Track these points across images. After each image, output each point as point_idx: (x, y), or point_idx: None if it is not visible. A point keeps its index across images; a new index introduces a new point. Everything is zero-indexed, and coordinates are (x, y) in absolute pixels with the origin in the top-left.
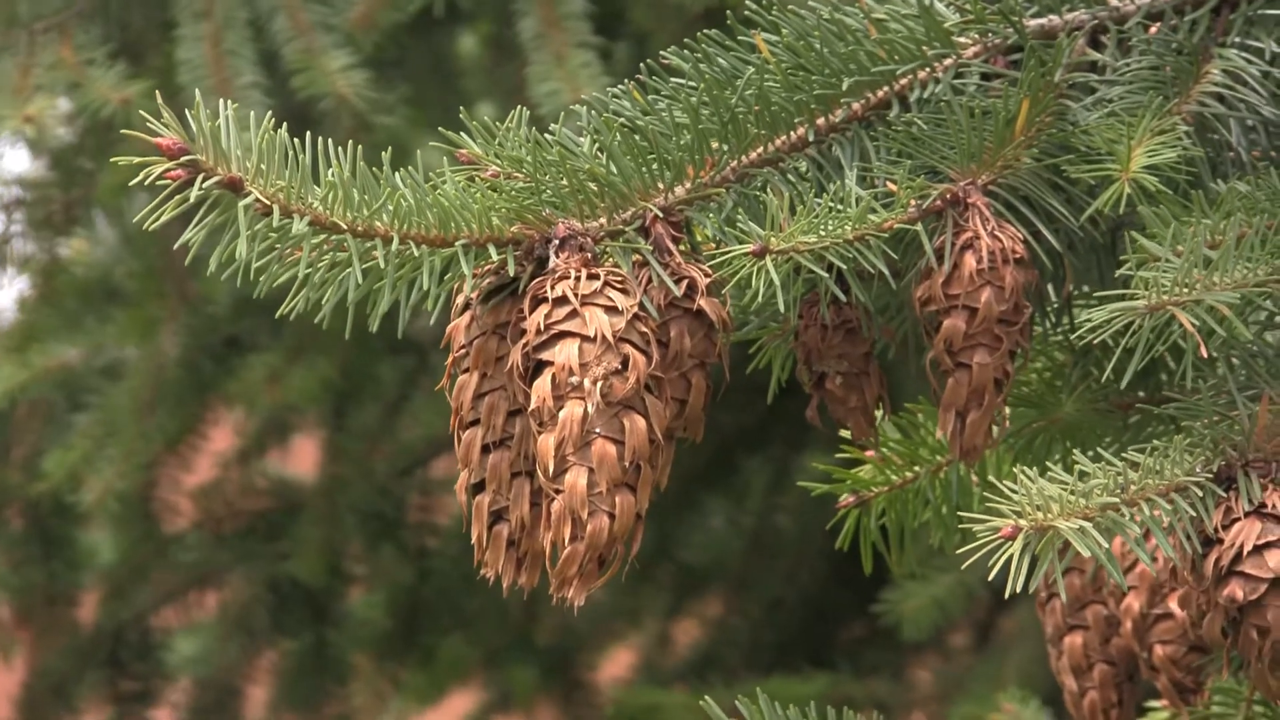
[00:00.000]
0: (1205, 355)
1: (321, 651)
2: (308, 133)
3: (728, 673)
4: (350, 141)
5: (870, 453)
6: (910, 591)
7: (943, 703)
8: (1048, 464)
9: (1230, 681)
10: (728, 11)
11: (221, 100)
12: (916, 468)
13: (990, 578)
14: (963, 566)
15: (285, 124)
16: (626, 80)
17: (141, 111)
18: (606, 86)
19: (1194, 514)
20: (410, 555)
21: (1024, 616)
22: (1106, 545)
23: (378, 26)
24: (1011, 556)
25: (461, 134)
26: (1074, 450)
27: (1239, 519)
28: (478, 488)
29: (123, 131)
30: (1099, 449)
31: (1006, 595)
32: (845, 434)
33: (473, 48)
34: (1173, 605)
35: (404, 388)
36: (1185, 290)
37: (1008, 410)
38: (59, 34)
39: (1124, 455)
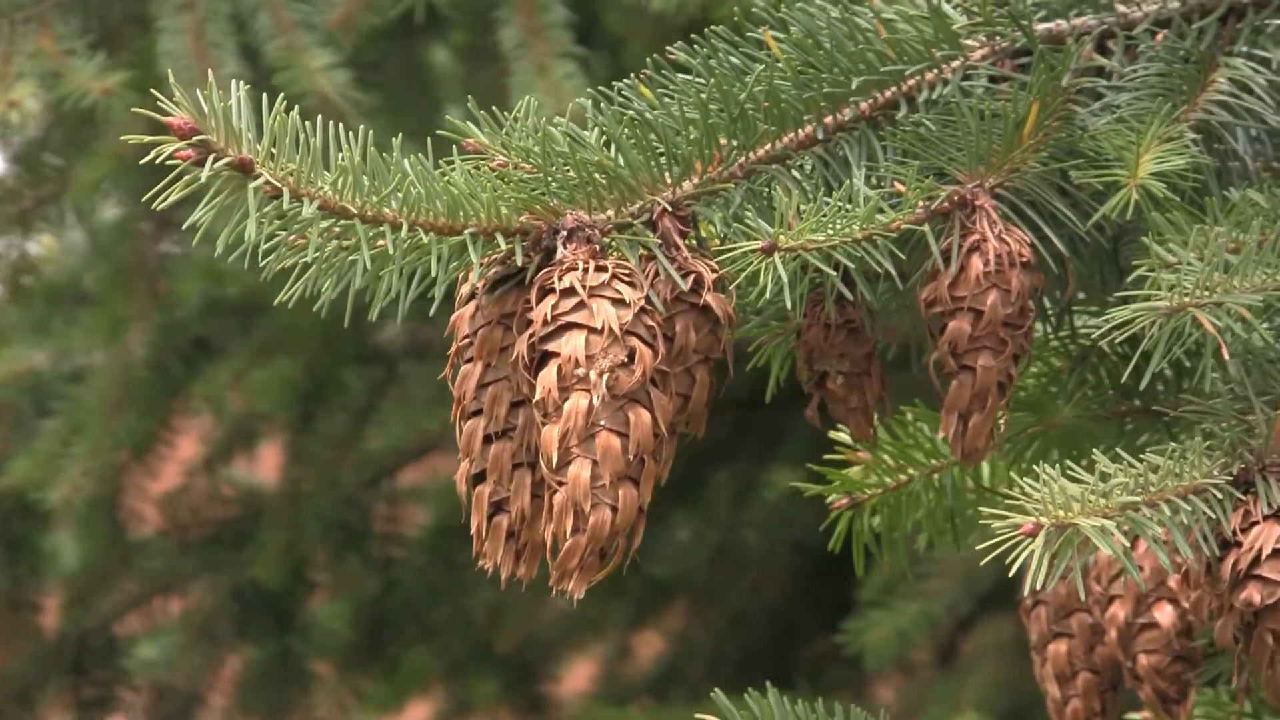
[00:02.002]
0: (1226, 358)
1: (285, 660)
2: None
3: (689, 686)
4: (361, 127)
5: (862, 454)
6: (874, 620)
7: None
8: (1068, 464)
9: (1214, 694)
10: (734, 8)
11: (234, 81)
12: (911, 471)
13: (1011, 573)
14: (981, 563)
15: None
16: (633, 75)
17: (122, 102)
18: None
19: (1212, 516)
20: (375, 566)
21: (986, 638)
22: (1126, 544)
23: (356, 29)
24: (1031, 553)
25: (468, 123)
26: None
27: (1257, 522)
28: (478, 478)
29: (133, 110)
30: (1119, 450)
31: (1026, 591)
32: (837, 435)
33: (447, 58)
34: (1158, 615)
35: (372, 397)
36: (1206, 293)
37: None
38: (39, 24)
39: (1143, 456)
